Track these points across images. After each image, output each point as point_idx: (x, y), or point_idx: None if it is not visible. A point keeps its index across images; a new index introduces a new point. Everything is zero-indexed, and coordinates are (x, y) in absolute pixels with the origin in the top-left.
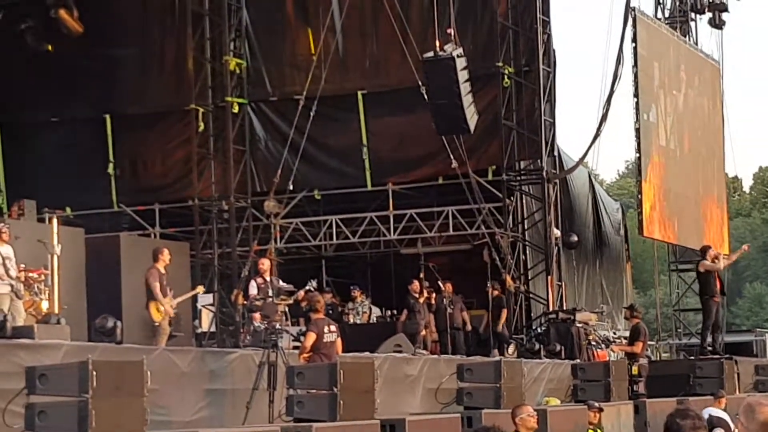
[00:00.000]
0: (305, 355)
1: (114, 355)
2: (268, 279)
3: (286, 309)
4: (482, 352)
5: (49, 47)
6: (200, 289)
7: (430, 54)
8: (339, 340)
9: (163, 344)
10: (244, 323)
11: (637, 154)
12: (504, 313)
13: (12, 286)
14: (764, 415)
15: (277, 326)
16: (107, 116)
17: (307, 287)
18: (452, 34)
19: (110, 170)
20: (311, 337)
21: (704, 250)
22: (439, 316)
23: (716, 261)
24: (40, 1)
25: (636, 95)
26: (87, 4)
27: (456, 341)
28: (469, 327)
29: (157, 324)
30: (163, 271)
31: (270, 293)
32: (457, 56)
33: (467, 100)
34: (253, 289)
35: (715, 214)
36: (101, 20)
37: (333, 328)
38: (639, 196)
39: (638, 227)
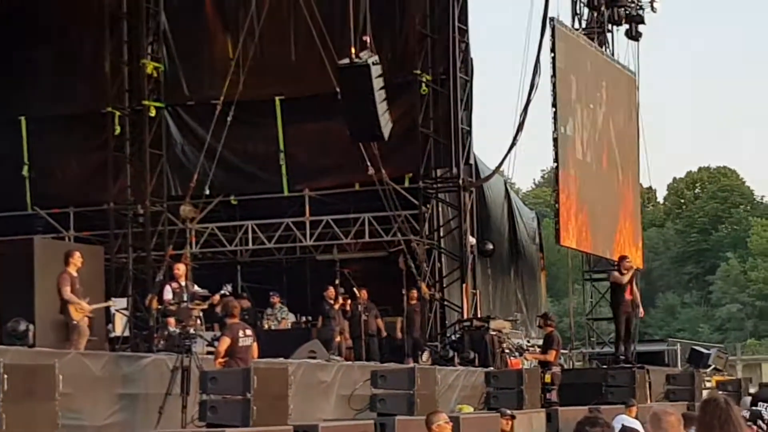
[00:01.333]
0: (221, 360)
1: (26, 359)
2: (183, 284)
3: (201, 314)
4: (396, 359)
5: None
6: (111, 302)
7: (346, 61)
8: (255, 345)
9: (82, 346)
10: (158, 328)
11: (555, 164)
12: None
13: None
14: (669, 424)
15: (191, 331)
16: (22, 118)
17: (222, 291)
18: (368, 41)
19: (25, 172)
20: (225, 342)
21: (620, 260)
22: (353, 322)
23: (625, 272)
24: None
25: (554, 105)
26: (3, 5)
27: (370, 348)
28: (384, 334)
29: (75, 322)
30: (75, 274)
31: (185, 298)
32: (373, 63)
33: (382, 107)
34: (167, 294)
35: (629, 225)
36: (17, 21)
37: (248, 332)
38: (556, 205)
39: (555, 236)
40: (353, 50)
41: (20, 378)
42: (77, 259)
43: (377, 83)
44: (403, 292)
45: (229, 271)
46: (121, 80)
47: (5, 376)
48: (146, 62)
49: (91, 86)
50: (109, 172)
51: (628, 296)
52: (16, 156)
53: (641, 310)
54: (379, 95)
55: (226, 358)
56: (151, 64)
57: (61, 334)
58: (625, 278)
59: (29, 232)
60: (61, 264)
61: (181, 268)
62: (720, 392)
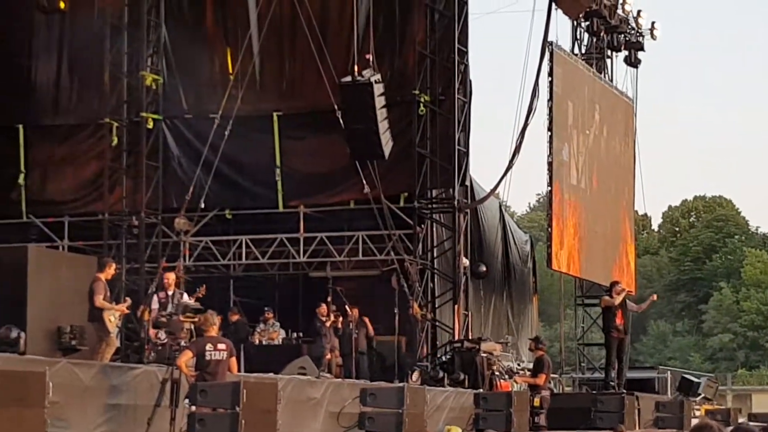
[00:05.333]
0: (190, 374)
1: (16, 366)
2: (170, 293)
3: (192, 326)
4: (387, 378)
5: None
6: (128, 301)
7: (348, 78)
8: (233, 360)
9: (108, 357)
10: (149, 339)
11: (549, 188)
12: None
13: None
14: None
15: (182, 343)
16: (20, 126)
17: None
18: (371, 59)
19: (20, 180)
20: (185, 355)
21: (612, 285)
22: (344, 340)
23: (617, 296)
24: None
25: (550, 129)
26: (3, 13)
27: (360, 366)
28: (374, 352)
29: (111, 333)
30: (105, 282)
31: (170, 308)
32: (375, 82)
33: (383, 126)
34: (154, 304)
35: (623, 251)
36: (18, 30)
37: (221, 346)
38: (549, 229)
39: (546, 260)
40: (356, 68)
41: (10, 384)
42: (112, 268)
43: (379, 101)
44: (395, 311)
45: (221, 285)
46: (120, 91)
47: None
48: (145, 74)
49: (89, 96)
50: (104, 182)
51: (619, 321)
52: (13, 164)
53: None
54: (381, 113)
55: (197, 373)
56: (150, 76)
57: (53, 343)
58: (617, 301)
59: (23, 240)
60: (54, 273)
61: (170, 278)
62: None
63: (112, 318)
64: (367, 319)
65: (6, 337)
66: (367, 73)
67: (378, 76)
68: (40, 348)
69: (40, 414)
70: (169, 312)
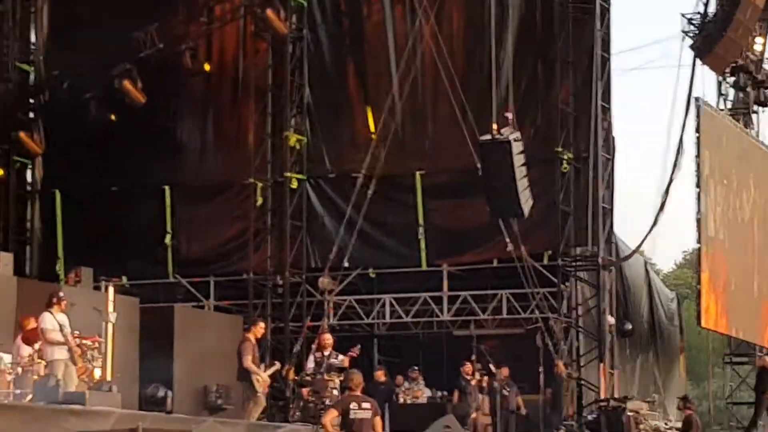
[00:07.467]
0: None
1: (164, 425)
2: (326, 353)
3: (338, 385)
4: None
5: (113, 117)
6: (277, 366)
7: (488, 136)
8: (377, 419)
9: (256, 417)
10: (294, 398)
11: (698, 245)
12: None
13: (68, 352)
14: None
15: (327, 402)
16: (166, 187)
17: (350, 353)
18: (510, 117)
19: (167, 241)
20: (330, 414)
21: None
22: (492, 398)
23: None
24: (104, 72)
25: (698, 186)
26: (151, 76)
27: (509, 425)
28: (523, 411)
29: (259, 394)
30: (254, 342)
31: (322, 369)
32: (514, 140)
33: (522, 183)
34: (310, 363)
35: None
36: (164, 91)
37: (366, 405)
38: (698, 286)
39: (696, 318)
40: (495, 126)
41: None
42: (260, 328)
43: (518, 159)
44: (540, 369)
45: (365, 344)
46: (264, 152)
47: None
48: (289, 134)
49: (234, 157)
50: (249, 242)
51: None
52: (160, 224)
53: None
54: (520, 171)
55: (342, 431)
56: (294, 136)
57: (200, 401)
58: None
59: (170, 300)
60: (200, 332)
61: (328, 339)
62: None
63: (259, 378)
64: None
65: (154, 396)
66: (506, 131)
67: (517, 134)
68: (187, 407)
69: None
70: (315, 371)
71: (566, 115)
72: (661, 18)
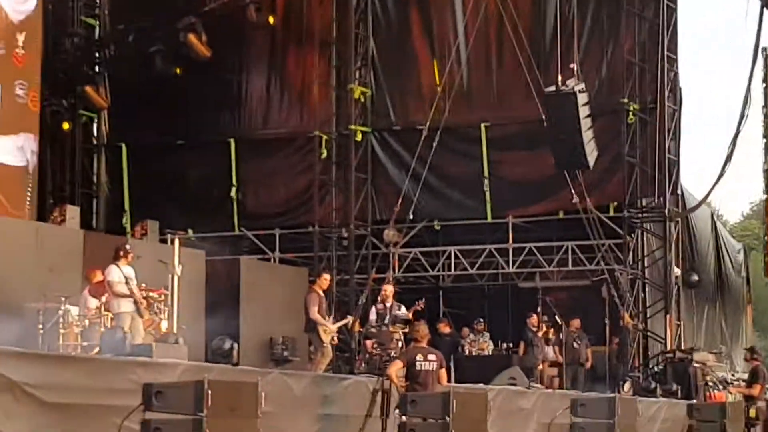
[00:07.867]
0: (401, 384)
1: (230, 377)
2: (388, 305)
3: (402, 337)
4: (598, 389)
5: (177, 70)
6: (349, 319)
7: (552, 88)
8: (443, 371)
9: (323, 368)
10: (360, 350)
11: (765, 196)
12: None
13: (135, 304)
14: None
15: (392, 354)
16: (232, 140)
17: (415, 307)
18: (575, 68)
19: (233, 194)
20: (395, 365)
21: None
22: (563, 350)
23: None
24: (169, 25)
25: (765, 136)
26: (216, 29)
27: (576, 377)
28: (588, 363)
29: (325, 345)
30: (321, 294)
31: (386, 320)
32: (579, 91)
33: (587, 135)
34: (372, 315)
35: None
36: (229, 45)
37: (431, 357)
38: (765, 237)
39: (763, 269)
40: (560, 77)
41: (224, 395)
42: (324, 280)
43: (583, 111)
44: (606, 321)
45: (430, 296)
46: (329, 105)
47: (209, 392)
48: (354, 87)
49: (299, 110)
50: (314, 194)
51: None
52: (225, 178)
53: None
54: (585, 123)
55: (407, 383)
56: (358, 89)
57: (266, 353)
58: None
59: (236, 252)
60: (266, 285)
61: (388, 290)
62: None
63: (326, 329)
64: None
65: (220, 348)
66: (571, 82)
67: (582, 86)
68: (253, 359)
69: (253, 424)
70: (378, 323)
71: (632, 66)
72: None
